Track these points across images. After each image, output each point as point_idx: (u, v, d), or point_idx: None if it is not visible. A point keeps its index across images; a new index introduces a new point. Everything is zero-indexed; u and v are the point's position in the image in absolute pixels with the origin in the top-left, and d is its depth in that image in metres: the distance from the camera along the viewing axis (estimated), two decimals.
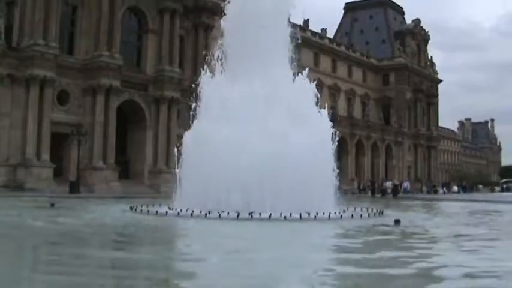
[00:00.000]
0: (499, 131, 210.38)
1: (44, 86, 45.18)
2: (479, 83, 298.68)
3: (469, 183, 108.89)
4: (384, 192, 60.24)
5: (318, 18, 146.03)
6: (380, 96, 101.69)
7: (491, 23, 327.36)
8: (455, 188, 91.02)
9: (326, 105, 18.66)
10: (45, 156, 45.00)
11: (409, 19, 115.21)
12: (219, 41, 19.93)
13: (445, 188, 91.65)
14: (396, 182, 66.93)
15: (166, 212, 18.60)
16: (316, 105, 18.79)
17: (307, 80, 18.55)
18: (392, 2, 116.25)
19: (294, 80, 18.68)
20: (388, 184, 64.50)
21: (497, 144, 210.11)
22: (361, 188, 71.58)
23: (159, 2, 54.43)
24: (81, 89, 48.80)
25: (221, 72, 19.40)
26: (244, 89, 17.03)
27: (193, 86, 21.05)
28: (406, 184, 75.23)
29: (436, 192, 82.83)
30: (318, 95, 18.50)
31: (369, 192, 64.04)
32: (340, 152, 77.78)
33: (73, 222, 16.72)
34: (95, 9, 49.57)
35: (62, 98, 47.85)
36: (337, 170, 19.53)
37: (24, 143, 44.44)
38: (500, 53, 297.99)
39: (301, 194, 17.93)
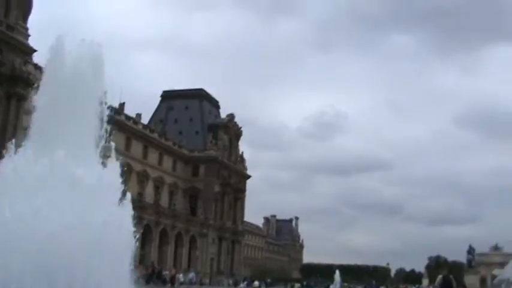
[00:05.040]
0: (302, 229, 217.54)
1: None
2: (285, 181, 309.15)
3: (272, 279, 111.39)
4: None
5: (135, 102, 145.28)
6: (188, 187, 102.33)
7: (297, 124, 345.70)
8: (257, 283, 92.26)
9: (130, 192, 17.89)
10: None
11: (223, 113, 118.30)
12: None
13: (246, 282, 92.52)
14: (173, 272, 70.30)
15: None
16: (122, 191, 18.07)
17: (113, 165, 17.88)
18: (209, 95, 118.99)
19: (100, 163, 17.94)
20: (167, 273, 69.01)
21: (300, 241, 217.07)
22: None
23: None
24: None
25: (26, 148, 18.16)
26: (44, 169, 16.02)
27: None
28: (192, 275, 77.35)
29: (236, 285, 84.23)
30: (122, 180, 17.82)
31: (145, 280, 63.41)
32: (144, 240, 76.74)
33: None
34: None
35: None
36: (134, 258, 18.55)
37: None
38: (304, 153, 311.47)
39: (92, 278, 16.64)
